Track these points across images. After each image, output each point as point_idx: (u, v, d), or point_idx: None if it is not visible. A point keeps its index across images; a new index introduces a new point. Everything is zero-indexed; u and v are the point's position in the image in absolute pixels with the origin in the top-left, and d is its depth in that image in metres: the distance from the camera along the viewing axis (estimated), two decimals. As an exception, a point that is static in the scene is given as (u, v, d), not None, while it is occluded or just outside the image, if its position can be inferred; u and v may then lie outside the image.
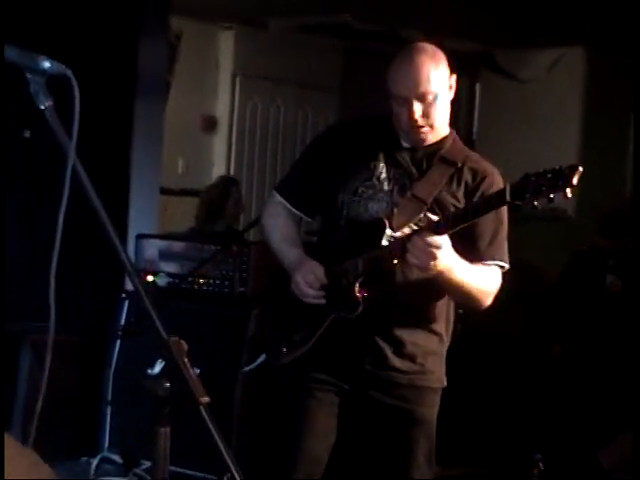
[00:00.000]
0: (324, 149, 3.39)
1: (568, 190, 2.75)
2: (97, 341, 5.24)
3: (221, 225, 6.21)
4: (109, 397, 5.10)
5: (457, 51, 7.21)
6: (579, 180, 2.72)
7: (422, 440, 3.34)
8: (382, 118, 3.31)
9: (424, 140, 3.26)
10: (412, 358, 3.30)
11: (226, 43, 7.92)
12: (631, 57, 7.73)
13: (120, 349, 5.10)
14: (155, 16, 5.78)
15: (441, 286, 3.18)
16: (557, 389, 5.63)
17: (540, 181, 2.77)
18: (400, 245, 3.08)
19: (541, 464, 3.92)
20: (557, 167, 2.78)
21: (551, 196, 2.76)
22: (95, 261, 5.08)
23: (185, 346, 1.92)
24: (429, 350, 3.33)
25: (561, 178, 2.74)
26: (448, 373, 3.39)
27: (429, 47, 3.22)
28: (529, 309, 6.31)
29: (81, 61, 5.12)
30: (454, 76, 3.23)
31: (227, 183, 6.54)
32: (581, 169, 2.73)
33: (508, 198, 2.86)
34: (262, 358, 3.53)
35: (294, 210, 3.43)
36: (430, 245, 3.00)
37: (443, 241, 3.01)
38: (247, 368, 3.91)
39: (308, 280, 3.25)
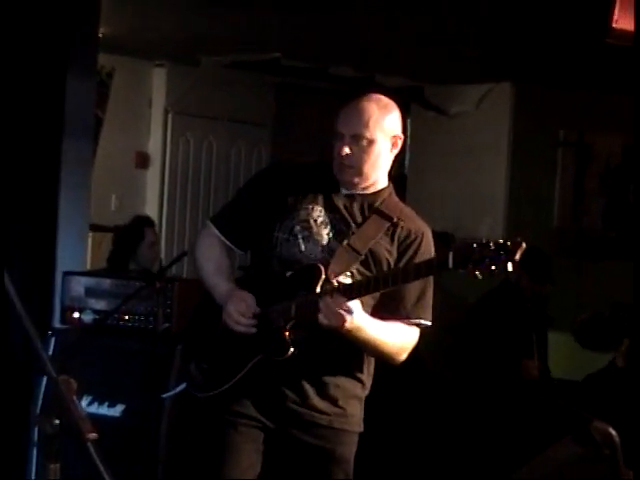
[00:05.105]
0: (265, 185, 3.42)
1: (510, 264, 2.74)
2: (23, 378, 5.22)
3: (134, 267, 6.03)
4: (35, 436, 5.07)
5: (387, 86, 7.36)
6: (521, 256, 2.70)
7: (341, 478, 3.38)
8: (325, 163, 3.34)
9: (349, 182, 3.29)
10: (334, 400, 3.34)
11: (158, 80, 7.99)
12: (556, 91, 7.90)
13: (46, 386, 5.08)
14: (83, 54, 5.80)
15: (350, 342, 3.20)
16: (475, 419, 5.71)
17: (483, 251, 2.76)
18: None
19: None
20: (500, 241, 2.77)
21: (492, 268, 2.75)
22: (21, 298, 5.05)
23: (75, 384, 1.97)
24: (351, 394, 3.37)
25: (504, 252, 2.74)
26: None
27: (385, 100, 3.27)
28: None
29: (7, 98, 5.20)
30: (402, 137, 3.27)
31: (141, 224, 6.22)
32: (524, 245, 2.72)
33: (451, 265, 2.85)
34: (182, 387, 3.54)
35: (227, 242, 3.45)
36: (341, 308, 3.04)
37: (354, 305, 3.06)
38: (166, 395, 3.93)
39: (240, 309, 3.27)
